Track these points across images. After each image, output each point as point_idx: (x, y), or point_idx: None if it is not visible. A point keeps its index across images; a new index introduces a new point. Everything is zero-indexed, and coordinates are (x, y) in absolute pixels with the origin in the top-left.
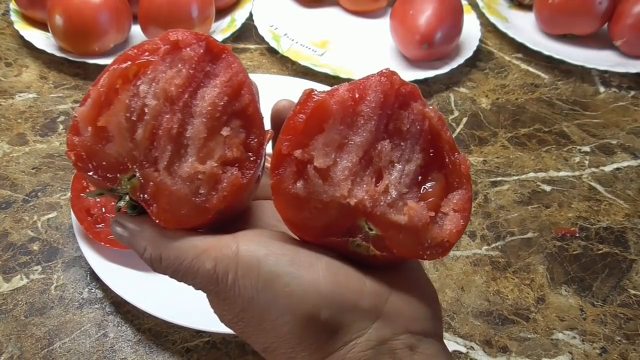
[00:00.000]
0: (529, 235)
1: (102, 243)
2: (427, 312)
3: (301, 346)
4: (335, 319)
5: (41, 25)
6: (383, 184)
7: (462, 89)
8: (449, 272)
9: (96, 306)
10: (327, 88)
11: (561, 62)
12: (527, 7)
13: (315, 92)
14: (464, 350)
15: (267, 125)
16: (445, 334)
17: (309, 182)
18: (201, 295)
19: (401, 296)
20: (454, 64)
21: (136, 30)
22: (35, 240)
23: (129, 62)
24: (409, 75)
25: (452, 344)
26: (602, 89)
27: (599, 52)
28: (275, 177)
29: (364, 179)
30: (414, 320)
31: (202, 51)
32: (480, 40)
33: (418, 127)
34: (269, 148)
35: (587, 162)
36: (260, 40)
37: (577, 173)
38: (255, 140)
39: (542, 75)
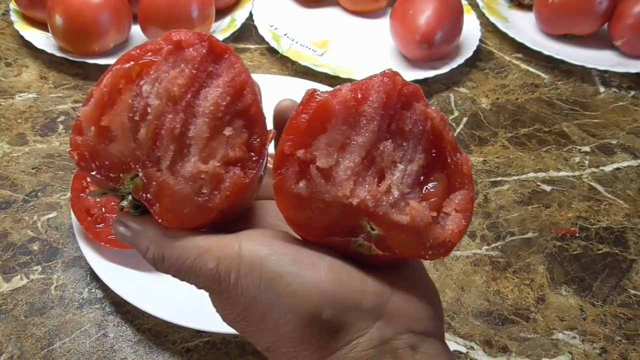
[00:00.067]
0: (529, 235)
1: (102, 243)
2: (429, 312)
3: (303, 345)
4: (338, 319)
5: (41, 25)
6: (385, 184)
7: (462, 89)
8: (449, 272)
9: (96, 306)
10: (329, 89)
11: (561, 62)
12: (527, 7)
13: (318, 92)
14: (464, 350)
15: (269, 125)
16: (445, 334)
17: (311, 182)
18: (201, 295)
19: (403, 296)
20: (454, 64)
21: (136, 30)
22: (35, 240)
23: (132, 62)
24: (409, 75)
25: (452, 344)
26: (602, 89)
27: (599, 52)
28: (277, 177)
29: (367, 179)
30: (416, 320)
31: (204, 51)
32: (480, 40)
33: (420, 128)
34: (271, 148)
35: (587, 162)
36: (260, 40)
37: (577, 173)
38: (258, 140)
39: (542, 75)
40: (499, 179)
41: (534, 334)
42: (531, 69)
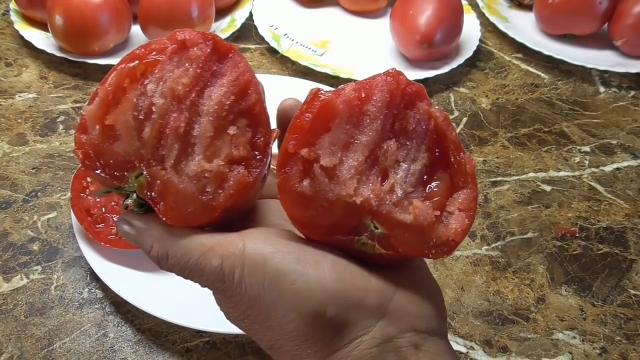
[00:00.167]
0: (529, 235)
1: (102, 243)
2: (432, 311)
3: (307, 343)
4: (341, 317)
5: (41, 25)
6: (389, 183)
7: (462, 89)
8: (449, 272)
9: (96, 306)
10: (332, 88)
11: (561, 62)
12: (527, 7)
13: (322, 92)
14: (464, 350)
15: (272, 124)
16: None
17: (315, 180)
18: (201, 295)
19: (406, 294)
20: (454, 64)
21: (136, 30)
22: (35, 240)
23: (137, 61)
24: (409, 75)
25: (452, 344)
26: (602, 89)
27: (599, 52)
28: (281, 176)
29: (370, 178)
30: (419, 319)
31: (209, 50)
32: (480, 40)
33: (424, 127)
34: (274, 147)
35: (587, 162)
36: (260, 40)
37: (577, 173)
38: (262, 139)
39: (542, 75)
40: (499, 179)
41: (534, 334)
42: (531, 69)
